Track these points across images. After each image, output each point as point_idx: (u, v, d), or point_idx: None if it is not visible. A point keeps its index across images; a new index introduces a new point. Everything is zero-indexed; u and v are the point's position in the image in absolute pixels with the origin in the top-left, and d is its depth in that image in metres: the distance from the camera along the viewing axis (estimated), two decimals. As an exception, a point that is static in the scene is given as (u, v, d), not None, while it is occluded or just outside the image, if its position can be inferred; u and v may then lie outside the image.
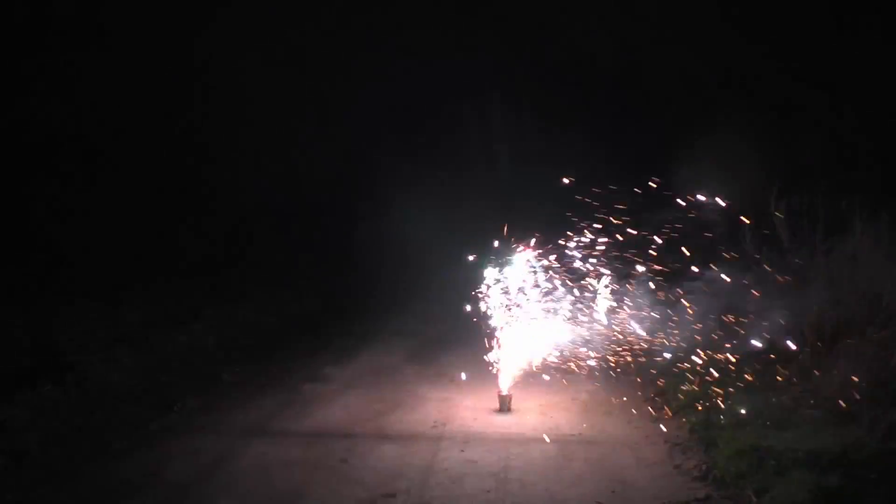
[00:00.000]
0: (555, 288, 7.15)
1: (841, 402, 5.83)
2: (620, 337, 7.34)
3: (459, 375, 7.87)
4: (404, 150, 16.14)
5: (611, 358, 7.36)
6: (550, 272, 7.14)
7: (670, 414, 6.64)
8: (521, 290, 7.11)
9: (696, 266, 7.35)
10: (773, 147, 10.64)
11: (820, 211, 7.13)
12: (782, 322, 7.07)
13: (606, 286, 7.10)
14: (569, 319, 7.13)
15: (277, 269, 13.93)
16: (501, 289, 7.08)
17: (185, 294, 10.99)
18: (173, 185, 13.60)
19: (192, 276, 11.96)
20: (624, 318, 7.31)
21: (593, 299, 7.16)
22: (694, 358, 7.35)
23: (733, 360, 7.17)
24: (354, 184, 16.66)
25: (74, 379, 7.17)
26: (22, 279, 9.89)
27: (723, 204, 7.25)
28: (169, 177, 13.54)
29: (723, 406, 6.28)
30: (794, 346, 6.90)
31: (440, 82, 15.68)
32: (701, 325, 7.54)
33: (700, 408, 6.41)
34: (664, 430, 6.28)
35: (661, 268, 7.30)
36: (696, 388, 6.81)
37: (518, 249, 7.02)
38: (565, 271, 7.18)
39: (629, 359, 7.43)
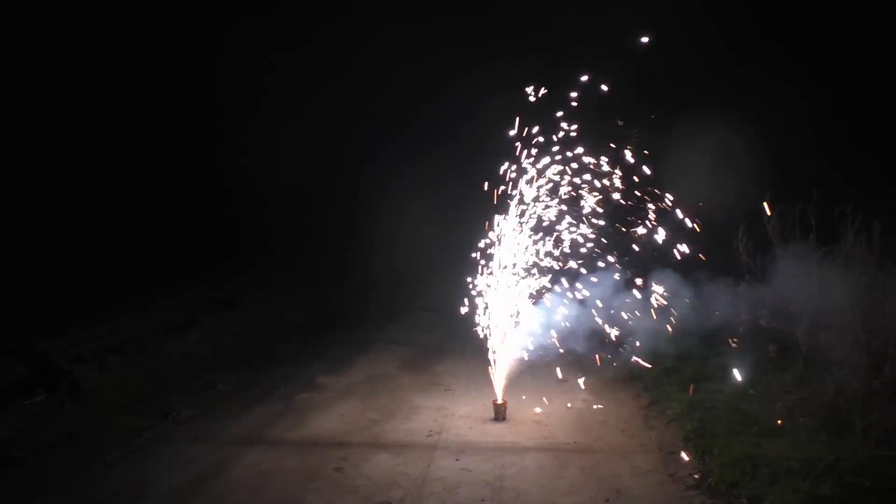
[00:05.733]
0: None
1: (834, 410, 5.85)
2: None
3: (454, 385, 7.87)
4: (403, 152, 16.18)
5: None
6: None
7: (665, 422, 6.65)
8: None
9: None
10: (767, 154, 10.69)
11: (812, 219, 7.16)
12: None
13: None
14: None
15: (272, 276, 13.93)
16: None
17: (179, 302, 10.96)
18: (170, 190, 13.61)
19: (188, 284, 11.94)
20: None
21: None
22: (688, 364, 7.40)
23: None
24: (352, 188, 16.70)
25: (68, 388, 7.14)
26: (18, 288, 9.85)
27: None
28: (165, 182, 13.55)
29: (717, 414, 6.29)
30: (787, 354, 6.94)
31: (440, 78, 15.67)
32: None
33: (694, 416, 6.42)
34: (658, 438, 6.29)
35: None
36: (691, 396, 6.83)
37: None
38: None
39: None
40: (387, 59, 15.59)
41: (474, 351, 7.40)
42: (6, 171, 10.99)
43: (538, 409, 7.11)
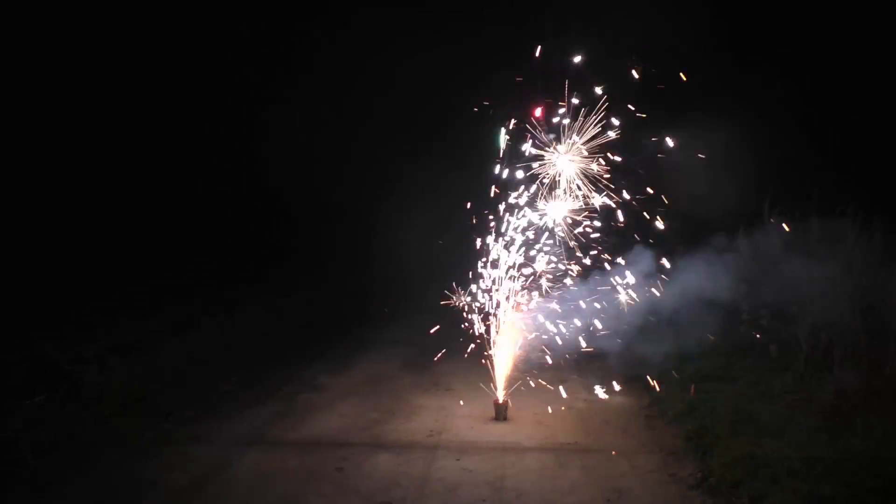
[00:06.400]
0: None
1: (835, 410, 5.85)
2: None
3: (455, 384, 7.87)
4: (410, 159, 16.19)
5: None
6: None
7: (666, 422, 6.65)
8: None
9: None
10: (766, 155, 10.69)
11: (813, 219, 7.17)
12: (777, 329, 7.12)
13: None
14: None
15: (274, 277, 13.94)
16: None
17: (180, 302, 10.96)
18: (173, 191, 13.61)
19: (189, 284, 11.94)
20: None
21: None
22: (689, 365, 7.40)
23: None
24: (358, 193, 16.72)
25: (69, 388, 7.14)
26: (19, 288, 9.85)
27: None
28: (168, 183, 13.55)
29: (718, 414, 6.29)
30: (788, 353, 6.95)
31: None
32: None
33: (695, 416, 6.42)
34: (659, 438, 6.28)
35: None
36: (692, 396, 6.83)
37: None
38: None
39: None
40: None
41: (475, 351, 7.39)
42: (12, 171, 10.99)
43: (539, 409, 7.10)
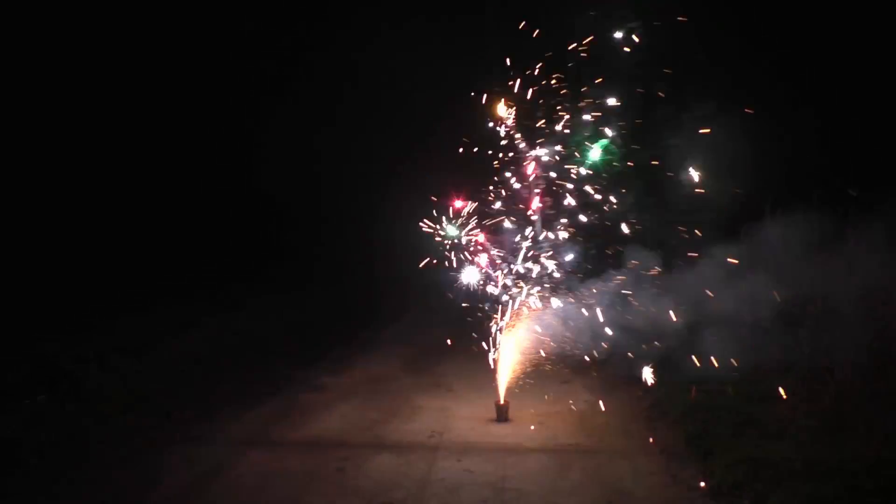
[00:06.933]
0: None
1: (837, 412, 5.84)
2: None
3: (456, 385, 7.87)
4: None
5: None
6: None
7: (667, 424, 6.64)
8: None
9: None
10: (767, 155, 10.66)
11: (815, 219, 7.15)
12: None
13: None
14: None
15: (274, 277, 13.94)
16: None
17: (182, 303, 10.95)
18: (174, 192, 13.60)
19: (191, 284, 11.93)
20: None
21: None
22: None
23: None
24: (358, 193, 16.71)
25: (70, 388, 7.14)
26: (20, 289, 9.84)
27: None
28: (169, 184, 13.55)
29: (719, 416, 6.28)
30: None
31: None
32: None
33: (697, 417, 6.40)
34: (661, 439, 6.27)
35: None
36: (693, 398, 6.82)
37: None
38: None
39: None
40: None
41: (477, 351, 7.39)
42: (13, 172, 10.99)
43: (541, 410, 7.10)
